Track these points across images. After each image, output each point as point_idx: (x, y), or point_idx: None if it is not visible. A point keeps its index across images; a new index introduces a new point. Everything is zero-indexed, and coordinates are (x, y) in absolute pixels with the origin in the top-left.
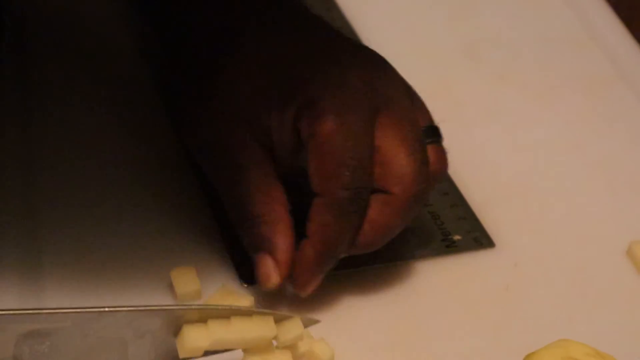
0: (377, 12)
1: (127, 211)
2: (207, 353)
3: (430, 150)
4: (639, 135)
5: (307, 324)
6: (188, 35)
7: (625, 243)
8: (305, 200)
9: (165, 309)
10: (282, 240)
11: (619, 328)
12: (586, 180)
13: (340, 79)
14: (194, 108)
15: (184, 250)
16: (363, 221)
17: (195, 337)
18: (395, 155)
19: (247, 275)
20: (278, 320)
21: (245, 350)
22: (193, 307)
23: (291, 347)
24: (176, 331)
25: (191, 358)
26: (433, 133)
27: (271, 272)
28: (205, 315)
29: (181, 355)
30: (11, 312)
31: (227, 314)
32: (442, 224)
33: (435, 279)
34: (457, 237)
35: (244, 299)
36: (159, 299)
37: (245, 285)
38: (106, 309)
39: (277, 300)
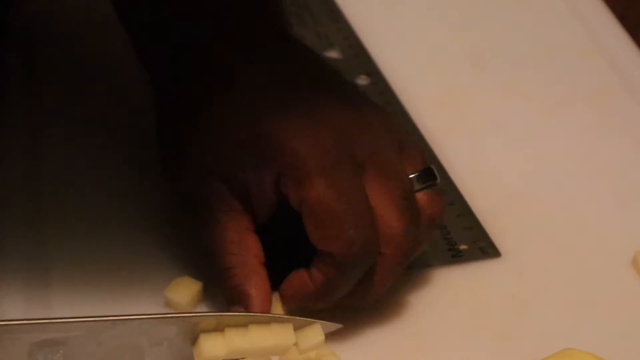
0: (384, 22)
1: (135, 218)
2: None
3: (424, 195)
4: None
5: (327, 329)
6: (175, 75)
7: (631, 253)
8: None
9: (179, 317)
10: (256, 293)
11: (624, 337)
12: (591, 190)
13: (320, 135)
14: (177, 154)
15: (192, 257)
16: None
17: (212, 347)
18: (384, 216)
19: None
20: (298, 327)
21: None
22: (209, 315)
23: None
24: (193, 339)
25: None
26: (426, 176)
27: None
28: (222, 324)
29: None
30: (24, 322)
31: (245, 322)
32: (449, 233)
33: (441, 289)
34: (463, 247)
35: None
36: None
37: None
38: (120, 318)
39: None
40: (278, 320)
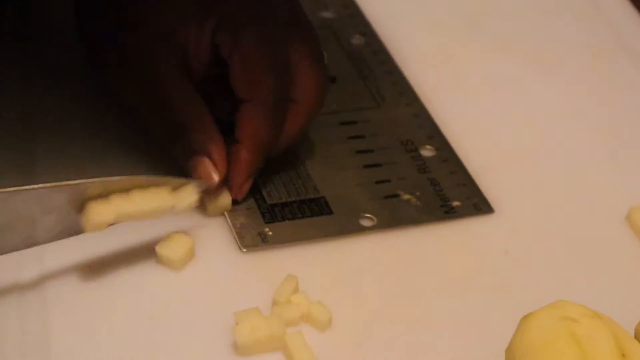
0: None
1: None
2: None
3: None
4: (638, 104)
5: (202, 186)
6: None
7: (625, 209)
8: (215, 112)
9: (69, 184)
10: (215, 142)
11: (617, 291)
12: (586, 147)
13: None
14: (113, 30)
15: None
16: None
17: (99, 212)
18: (300, 66)
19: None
20: (176, 188)
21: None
22: (96, 180)
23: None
24: (81, 208)
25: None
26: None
27: (211, 170)
28: (107, 191)
29: (87, 230)
30: None
31: (128, 187)
32: (442, 190)
33: (434, 245)
34: (456, 204)
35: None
36: None
37: (245, 250)
38: (13, 190)
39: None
40: (156, 184)
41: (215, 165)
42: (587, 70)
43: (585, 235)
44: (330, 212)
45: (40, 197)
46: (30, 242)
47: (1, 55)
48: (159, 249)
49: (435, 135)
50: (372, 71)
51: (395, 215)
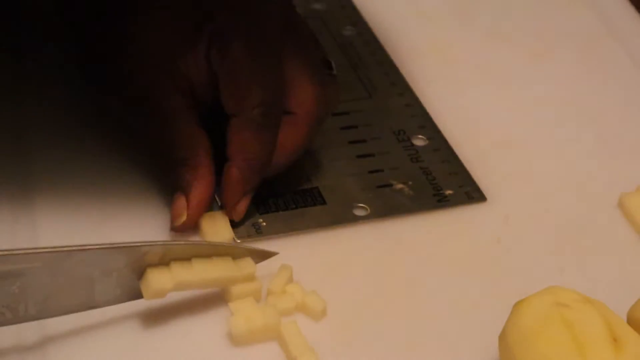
0: None
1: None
2: None
3: (326, 80)
4: (628, 91)
5: (265, 256)
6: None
7: (616, 196)
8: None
9: (129, 247)
10: (199, 183)
11: (609, 277)
12: (577, 134)
13: (245, 7)
14: (114, 66)
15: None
16: (277, 139)
17: (159, 280)
18: (299, 79)
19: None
20: (236, 257)
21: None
22: (156, 244)
23: (280, 299)
24: (140, 274)
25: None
26: (327, 66)
27: (181, 211)
28: (167, 258)
29: (146, 298)
30: None
31: (188, 255)
32: (434, 179)
33: (427, 234)
34: (448, 192)
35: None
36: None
37: (239, 241)
38: (74, 249)
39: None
40: (219, 254)
41: (189, 205)
42: (578, 58)
43: (578, 222)
44: (324, 202)
45: (99, 258)
46: (89, 305)
47: None
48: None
49: (427, 125)
50: (364, 62)
51: (388, 205)
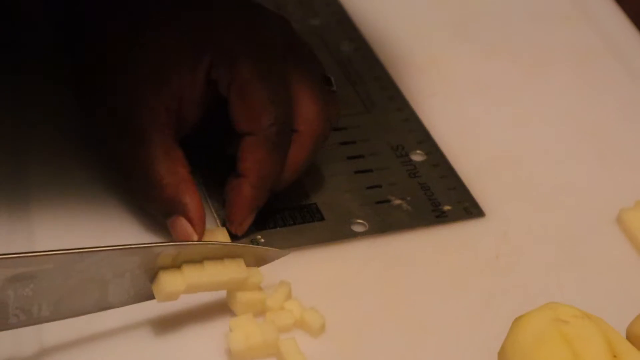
0: None
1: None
2: None
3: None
4: (626, 106)
5: (277, 256)
6: (92, 6)
7: (615, 211)
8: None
9: (142, 247)
10: (190, 199)
11: (608, 293)
12: (575, 149)
13: (249, 27)
14: (102, 76)
15: None
16: (287, 156)
17: (171, 282)
18: (301, 97)
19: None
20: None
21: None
22: (169, 244)
23: (279, 316)
24: (152, 276)
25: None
26: (327, 82)
27: (190, 231)
28: (179, 260)
29: (158, 300)
30: None
31: (200, 257)
32: (432, 194)
33: (426, 249)
34: (447, 208)
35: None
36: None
37: None
38: (87, 250)
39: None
40: (231, 256)
41: (192, 223)
42: (575, 72)
43: (577, 237)
44: (322, 218)
45: (112, 259)
46: (103, 306)
47: None
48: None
49: (425, 140)
50: (362, 77)
51: (386, 221)
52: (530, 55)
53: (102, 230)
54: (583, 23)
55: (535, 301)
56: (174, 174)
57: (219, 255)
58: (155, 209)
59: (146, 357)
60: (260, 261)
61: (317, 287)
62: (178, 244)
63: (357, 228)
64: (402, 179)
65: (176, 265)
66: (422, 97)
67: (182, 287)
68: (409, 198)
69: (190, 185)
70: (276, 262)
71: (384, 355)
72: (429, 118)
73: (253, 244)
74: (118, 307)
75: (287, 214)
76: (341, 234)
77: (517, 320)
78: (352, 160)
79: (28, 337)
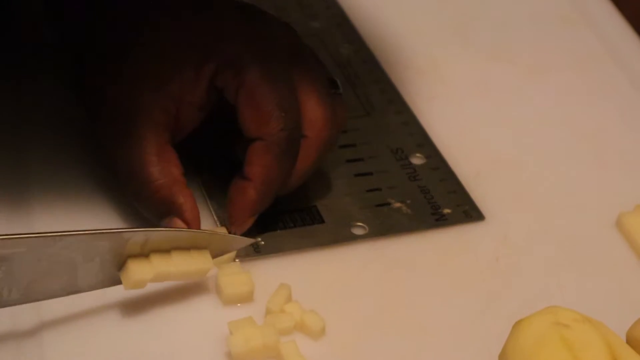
0: None
1: None
2: None
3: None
4: (626, 110)
5: (243, 243)
6: (102, 11)
7: (615, 215)
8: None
9: (112, 232)
10: (184, 200)
11: (608, 297)
12: (575, 153)
13: (254, 34)
14: (105, 73)
15: None
16: (295, 163)
17: (139, 270)
18: (308, 102)
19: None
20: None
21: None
22: (139, 230)
23: (279, 319)
24: (120, 264)
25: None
26: (333, 85)
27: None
28: (147, 249)
29: (126, 287)
30: None
31: (168, 247)
32: (432, 198)
33: (425, 253)
34: (447, 211)
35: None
36: None
37: (237, 260)
38: (59, 234)
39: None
40: (197, 247)
41: (188, 225)
42: (575, 76)
43: (576, 241)
44: (322, 221)
45: (83, 244)
46: (71, 290)
47: None
48: None
49: (425, 143)
50: (361, 80)
51: (386, 224)
52: (530, 59)
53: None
54: (583, 27)
55: (535, 304)
56: (167, 174)
57: (186, 246)
58: (149, 210)
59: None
60: (228, 248)
61: (317, 289)
62: (147, 230)
63: (357, 231)
64: (401, 182)
65: (144, 254)
66: (421, 100)
67: (150, 275)
68: (408, 201)
69: (183, 186)
70: (276, 265)
71: (384, 358)
72: (429, 121)
73: (253, 247)
74: (86, 291)
75: (287, 216)
76: (341, 236)
77: (518, 323)
78: (352, 163)
79: (27, 308)
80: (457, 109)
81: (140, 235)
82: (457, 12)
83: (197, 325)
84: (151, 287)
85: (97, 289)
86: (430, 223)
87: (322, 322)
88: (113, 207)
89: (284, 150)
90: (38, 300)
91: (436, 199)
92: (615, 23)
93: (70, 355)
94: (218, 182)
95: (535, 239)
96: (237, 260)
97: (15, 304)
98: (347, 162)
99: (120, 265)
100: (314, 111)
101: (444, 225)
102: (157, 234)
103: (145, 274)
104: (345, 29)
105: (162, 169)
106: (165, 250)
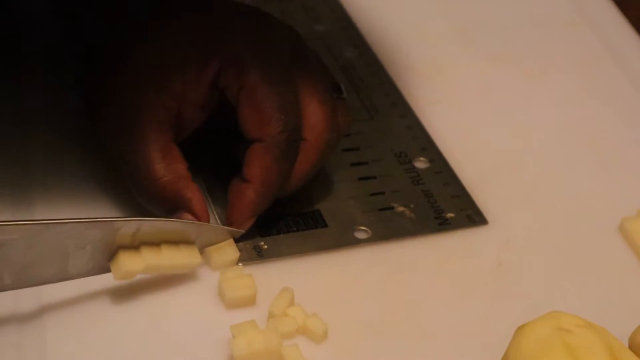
0: None
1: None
2: None
3: (336, 104)
4: (629, 114)
5: (232, 234)
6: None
7: (617, 220)
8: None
9: (104, 221)
10: (191, 194)
11: (610, 302)
12: (578, 157)
13: (257, 35)
14: (107, 78)
15: None
16: (294, 166)
17: (129, 262)
18: (309, 104)
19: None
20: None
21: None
22: (131, 220)
23: (282, 322)
24: (111, 255)
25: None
26: (337, 90)
27: None
28: (137, 241)
29: (115, 278)
30: None
31: (158, 240)
32: (436, 202)
33: (429, 257)
34: (450, 215)
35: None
36: None
37: (240, 264)
38: (54, 221)
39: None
40: (185, 241)
41: (198, 218)
42: (578, 79)
43: (579, 246)
44: (325, 225)
45: (75, 231)
46: (62, 277)
47: None
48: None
49: (428, 147)
50: (365, 83)
51: (389, 228)
52: (533, 62)
53: None
54: (586, 30)
55: (538, 309)
56: (173, 171)
57: (175, 240)
58: (157, 207)
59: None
60: (218, 239)
61: (320, 293)
62: (138, 219)
63: (360, 235)
64: (405, 186)
65: (135, 246)
66: (425, 104)
67: (140, 267)
68: (412, 205)
69: (189, 180)
70: (279, 268)
71: None
72: (433, 125)
73: (256, 250)
74: (76, 278)
75: (290, 220)
76: (344, 240)
77: (520, 328)
78: (355, 167)
79: (28, 290)
80: (460, 113)
81: (131, 225)
82: (460, 16)
83: (200, 328)
84: (154, 288)
85: (87, 276)
86: (433, 227)
87: (324, 325)
88: (113, 203)
89: (283, 152)
90: (29, 286)
91: (439, 203)
92: (618, 25)
93: (71, 341)
94: (219, 183)
95: (539, 244)
96: (239, 263)
97: (6, 290)
98: (350, 166)
99: (111, 255)
100: (314, 114)
101: (447, 230)
102: (148, 224)
103: (135, 265)
104: (349, 32)
105: (167, 165)
106: (155, 243)
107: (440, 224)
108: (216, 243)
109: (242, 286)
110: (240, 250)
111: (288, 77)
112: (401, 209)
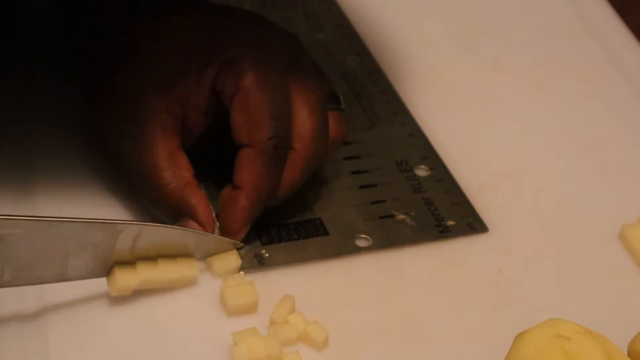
0: (372, 2)
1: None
2: None
3: (331, 116)
4: (630, 121)
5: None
6: (102, 17)
7: (618, 227)
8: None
9: (107, 223)
10: (197, 202)
11: (610, 309)
12: (578, 165)
13: (256, 41)
14: (109, 80)
15: None
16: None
17: (125, 277)
18: (300, 114)
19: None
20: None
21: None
22: (133, 223)
23: (283, 329)
24: (107, 271)
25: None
26: (335, 100)
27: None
28: (134, 256)
29: (112, 292)
30: None
31: (155, 254)
32: (436, 210)
33: (429, 264)
34: (450, 223)
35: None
36: None
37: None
38: (56, 219)
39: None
40: (184, 254)
41: (202, 226)
42: (579, 87)
43: (579, 253)
44: (326, 233)
45: (76, 231)
46: (61, 277)
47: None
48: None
49: (429, 155)
50: (367, 91)
51: (390, 236)
52: (534, 70)
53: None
54: (587, 37)
55: (538, 316)
56: (179, 178)
57: (173, 253)
58: (163, 213)
59: None
60: (220, 249)
61: (321, 301)
62: (140, 224)
63: (361, 243)
64: (406, 194)
65: (132, 257)
66: (427, 111)
67: (136, 282)
68: (412, 213)
69: (195, 188)
70: (280, 276)
71: None
72: (434, 133)
73: (257, 259)
74: (76, 280)
75: (291, 228)
76: (345, 248)
77: (520, 336)
78: (356, 175)
79: (30, 290)
80: (461, 121)
81: (133, 229)
82: (462, 24)
83: (201, 335)
84: (156, 295)
85: (87, 278)
86: (434, 235)
87: (325, 333)
88: (116, 202)
89: (271, 158)
90: (28, 284)
91: (440, 211)
92: (620, 34)
93: (73, 343)
94: (221, 189)
95: (538, 251)
96: (241, 271)
97: (6, 286)
98: (351, 174)
99: (108, 271)
100: (304, 124)
101: (448, 237)
102: (150, 229)
103: (130, 280)
104: (351, 40)
105: (174, 172)
106: (152, 257)
107: (440, 231)
108: (217, 253)
109: (244, 294)
110: (241, 258)
111: (282, 84)
112: (402, 216)
